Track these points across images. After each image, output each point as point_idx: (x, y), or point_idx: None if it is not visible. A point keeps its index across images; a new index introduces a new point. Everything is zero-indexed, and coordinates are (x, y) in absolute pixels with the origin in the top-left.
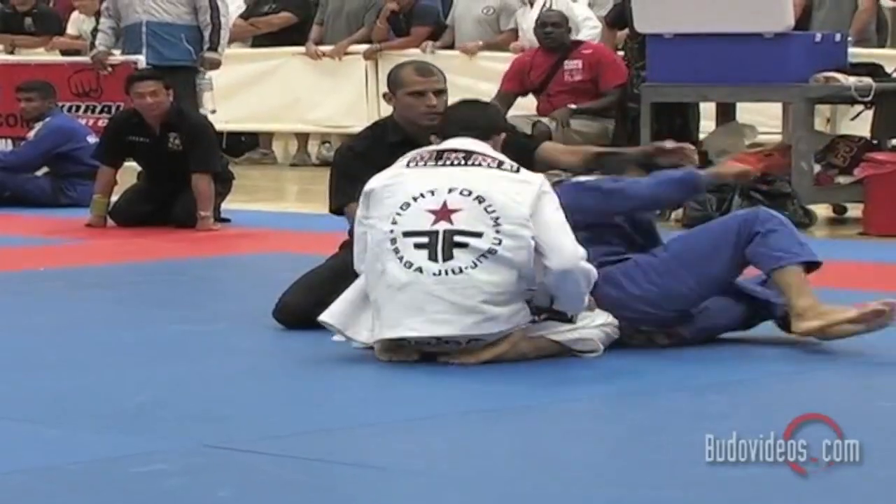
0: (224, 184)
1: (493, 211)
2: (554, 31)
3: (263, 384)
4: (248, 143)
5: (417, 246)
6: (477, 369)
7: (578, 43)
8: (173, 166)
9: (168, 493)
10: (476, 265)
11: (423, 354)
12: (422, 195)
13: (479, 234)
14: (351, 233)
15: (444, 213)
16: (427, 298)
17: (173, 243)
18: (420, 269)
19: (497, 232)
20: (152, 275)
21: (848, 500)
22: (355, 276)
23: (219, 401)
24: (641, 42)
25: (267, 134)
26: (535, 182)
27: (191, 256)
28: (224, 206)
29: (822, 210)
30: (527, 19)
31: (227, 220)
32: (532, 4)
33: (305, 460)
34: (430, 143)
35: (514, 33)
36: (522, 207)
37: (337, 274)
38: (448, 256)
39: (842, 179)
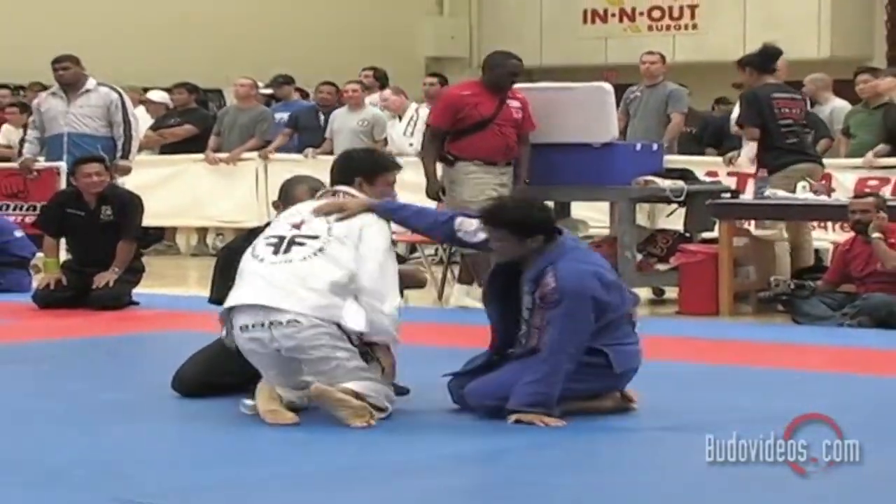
0: (135, 274)
1: (329, 222)
2: (518, 80)
3: (167, 444)
4: (155, 237)
5: (268, 244)
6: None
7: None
8: (104, 237)
9: None
10: (306, 259)
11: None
12: (291, 214)
13: (316, 237)
14: None
15: (297, 225)
16: (261, 279)
17: (90, 324)
18: (262, 259)
19: (329, 236)
20: (70, 351)
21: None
22: (240, 353)
23: (128, 459)
24: None
25: (171, 228)
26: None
27: (105, 335)
28: (134, 291)
29: (643, 292)
30: (396, 130)
31: (136, 303)
32: (400, 118)
33: None
34: None
35: (385, 141)
36: (352, 224)
37: (225, 350)
38: (286, 251)
39: (660, 266)
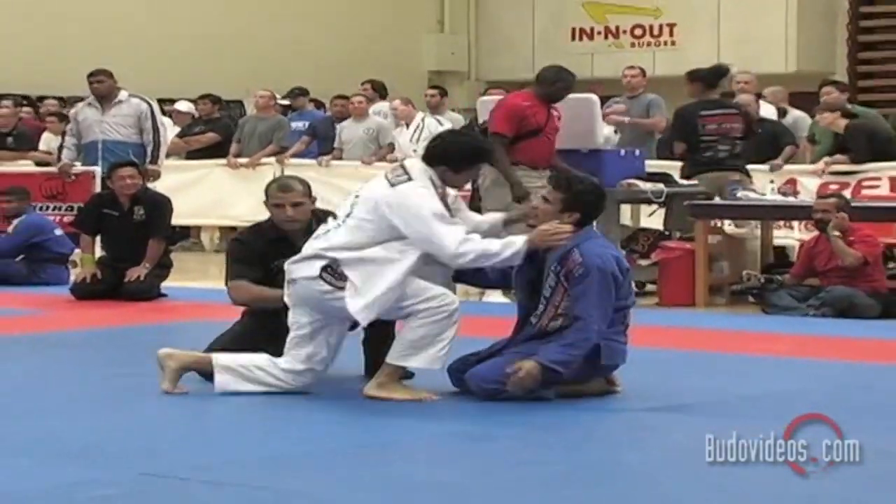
0: (164, 269)
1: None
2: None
3: (192, 423)
4: (180, 235)
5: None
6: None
7: None
8: (136, 235)
9: None
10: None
11: None
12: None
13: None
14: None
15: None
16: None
17: (123, 314)
18: None
19: (351, 208)
20: (105, 338)
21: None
22: (254, 337)
23: (155, 438)
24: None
25: (196, 227)
26: (386, 191)
27: (136, 324)
28: (163, 284)
29: None
30: (403, 137)
31: (164, 295)
32: (408, 126)
33: (230, 485)
34: (299, 241)
35: (391, 147)
36: (371, 202)
37: (245, 333)
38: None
39: (642, 262)
